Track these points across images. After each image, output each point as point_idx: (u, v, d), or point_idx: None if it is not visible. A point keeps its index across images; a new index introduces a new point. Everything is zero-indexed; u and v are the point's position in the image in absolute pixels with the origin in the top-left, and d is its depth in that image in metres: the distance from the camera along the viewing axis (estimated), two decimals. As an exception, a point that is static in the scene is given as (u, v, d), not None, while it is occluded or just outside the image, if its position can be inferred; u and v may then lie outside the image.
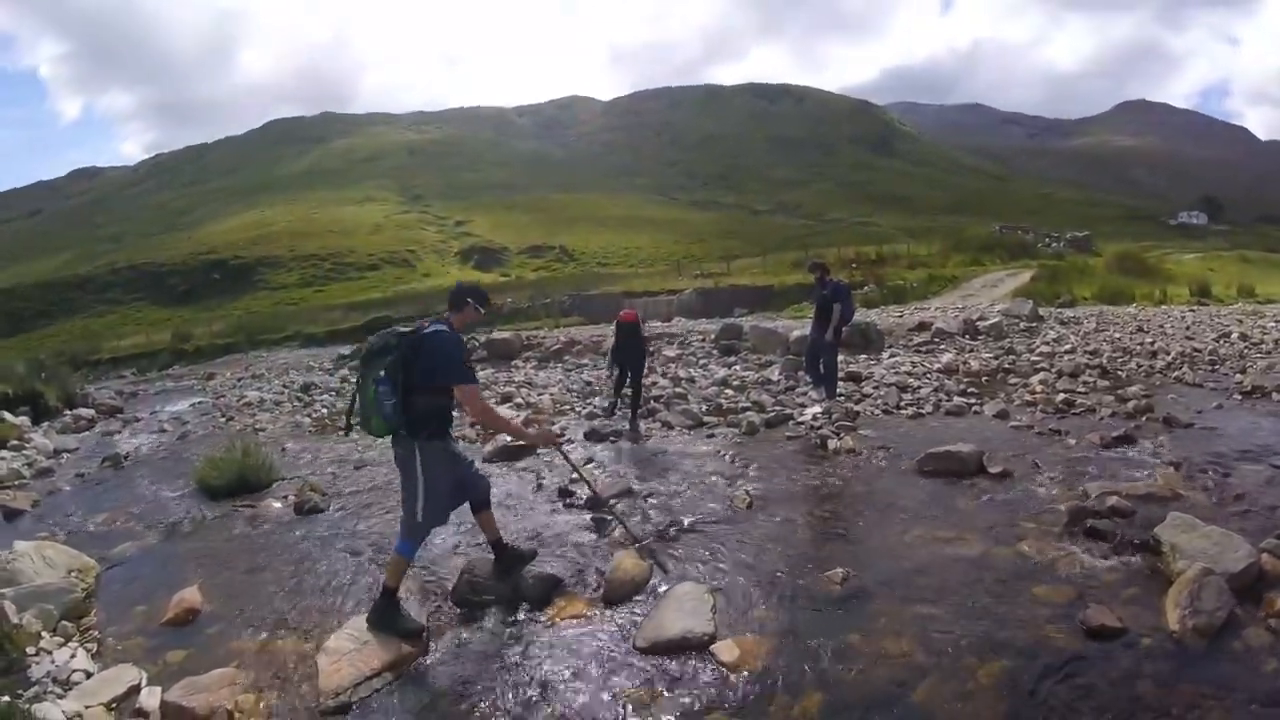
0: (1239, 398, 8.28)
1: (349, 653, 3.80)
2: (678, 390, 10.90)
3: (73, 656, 4.17)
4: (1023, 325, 15.94)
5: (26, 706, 3.51)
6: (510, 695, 3.37)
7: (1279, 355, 11.00)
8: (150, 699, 3.69)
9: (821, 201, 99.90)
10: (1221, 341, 12.80)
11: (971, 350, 13.22)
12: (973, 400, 8.82)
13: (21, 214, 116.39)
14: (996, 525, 4.76)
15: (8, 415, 12.33)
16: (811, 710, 3.04)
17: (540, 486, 6.49)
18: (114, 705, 3.67)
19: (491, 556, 4.48)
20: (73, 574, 5.17)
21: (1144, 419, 7.36)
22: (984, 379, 10.47)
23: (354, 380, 4.10)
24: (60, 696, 3.77)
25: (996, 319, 16.04)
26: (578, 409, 10.39)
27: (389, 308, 36.57)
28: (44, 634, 4.42)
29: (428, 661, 3.79)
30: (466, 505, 4.35)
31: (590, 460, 7.22)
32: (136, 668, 3.96)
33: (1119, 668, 3.08)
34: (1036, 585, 3.85)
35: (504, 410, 9.26)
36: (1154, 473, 5.58)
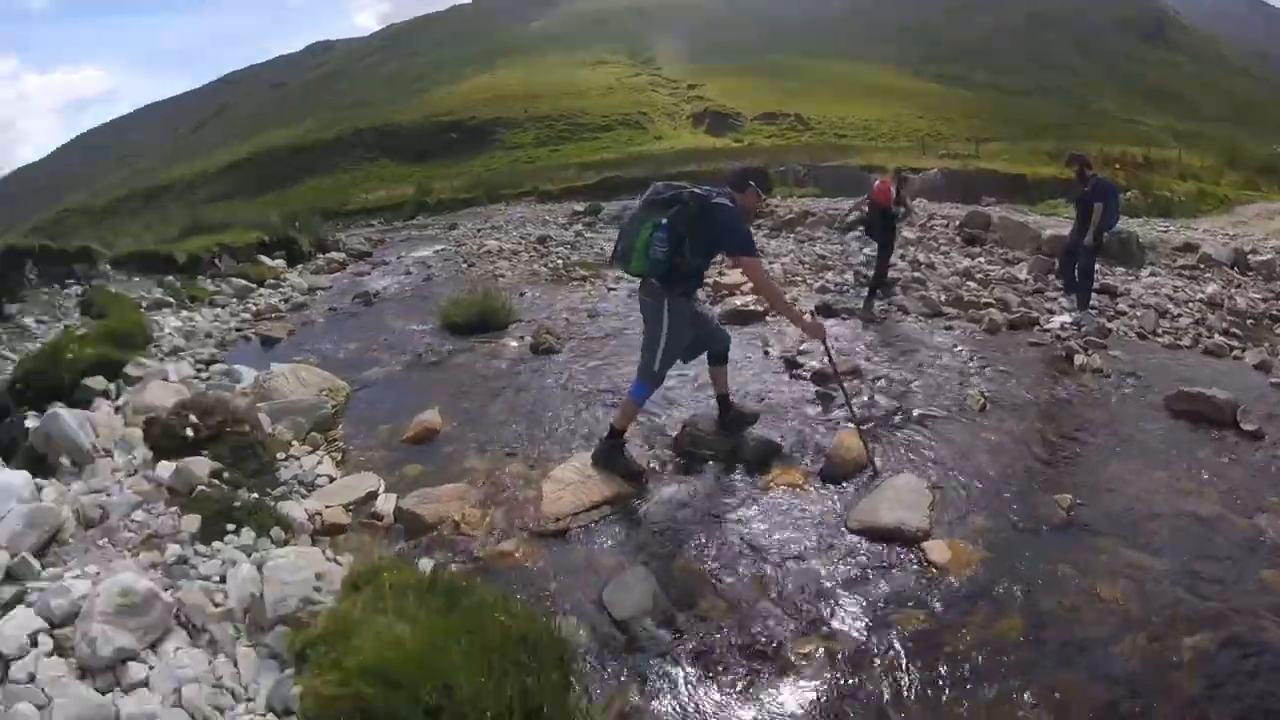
0: None
1: (572, 483, 4.03)
2: (916, 275, 10.35)
3: (319, 463, 4.47)
4: (1309, 263, 13.71)
5: (273, 504, 3.75)
6: (718, 547, 3.55)
7: None
8: (386, 504, 3.98)
9: (1085, 88, 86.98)
10: None
11: (1239, 285, 11.60)
12: (1235, 342, 7.60)
13: (265, 87, 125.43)
14: (1239, 489, 4.21)
15: (265, 259, 13.40)
16: (1012, 634, 2.94)
17: (767, 354, 6.62)
18: (352, 507, 3.94)
19: (715, 413, 4.62)
20: (324, 393, 5.48)
21: None
22: (1249, 321, 9.24)
23: (627, 218, 4.12)
24: (304, 496, 4.06)
25: (1270, 255, 13.88)
26: (809, 281, 10.29)
27: (620, 168, 36.77)
28: (294, 443, 4.74)
29: (644, 504, 3.96)
30: (703, 358, 4.50)
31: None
32: (376, 476, 4.28)
33: None
34: (1267, 568, 3.41)
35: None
36: None
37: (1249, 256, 13.40)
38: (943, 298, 8.93)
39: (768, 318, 7.79)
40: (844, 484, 4.13)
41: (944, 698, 2.67)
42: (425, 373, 6.57)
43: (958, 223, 15.90)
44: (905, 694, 2.69)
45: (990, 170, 30.38)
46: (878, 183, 8.88)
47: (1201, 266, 12.93)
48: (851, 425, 4.59)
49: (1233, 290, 10.83)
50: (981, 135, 44.55)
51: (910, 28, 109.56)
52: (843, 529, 3.68)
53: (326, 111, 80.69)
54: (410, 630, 2.51)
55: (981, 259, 12.48)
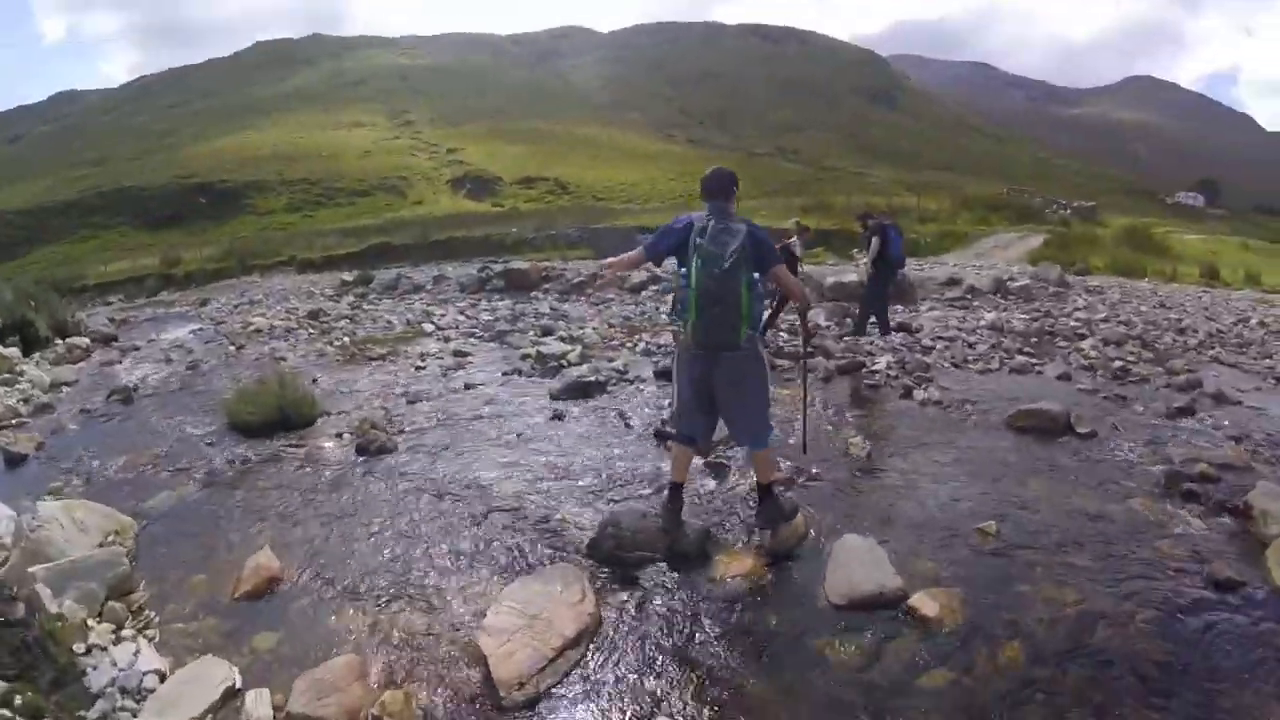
0: (1275, 381, 8.51)
1: (518, 630, 3.24)
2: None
3: (136, 653, 3.28)
4: (1050, 290, 16.07)
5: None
6: (719, 660, 3.19)
7: (1301, 345, 11.22)
8: (258, 707, 2.91)
9: (820, 148, 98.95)
10: (1242, 326, 13.03)
11: (1005, 310, 13.38)
12: (1033, 360, 8.91)
13: (1, 140, 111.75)
14: (1103, 483, 4.97)
15: (-6, 347, 11.09)
16: (1017, 660, 3.12)
17: (628, 425, 6.33)
18: (211, 718, 2.89)
19: (634, 507, 4.29)
20: (110, 538, 4.31)
21: (1195, 393, 7.52)
22: (1032, 339, 10.61)
23: (692, 279, 3.59)
24: (134, 715, 2.93)
25: (1026, 281, 16.21)
26: (628, 345, 10.24)
27: (385, 234, 35.65)
28: (91, 622, 3.53)
29: (610, 632, 3.44)
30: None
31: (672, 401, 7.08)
32: (222, 661, 3.21)
33: (1245, 614, 3.43)
34: (1158, 540, 4.12)
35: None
36: (1220, 444, 5.81)
37: (1008, 284, 15.46)
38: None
39: (608, 387, 7.59)
40: (795, 558, 3.98)
41: None
42: (230, 493, 5.29)
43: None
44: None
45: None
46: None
47: (969, 297, 14.72)
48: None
49: (1005, 315, 12.32)
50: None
51: (659, 95, 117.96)
52: (828, 606, 3.52)
53: (67, 168, 71.28)
54: None
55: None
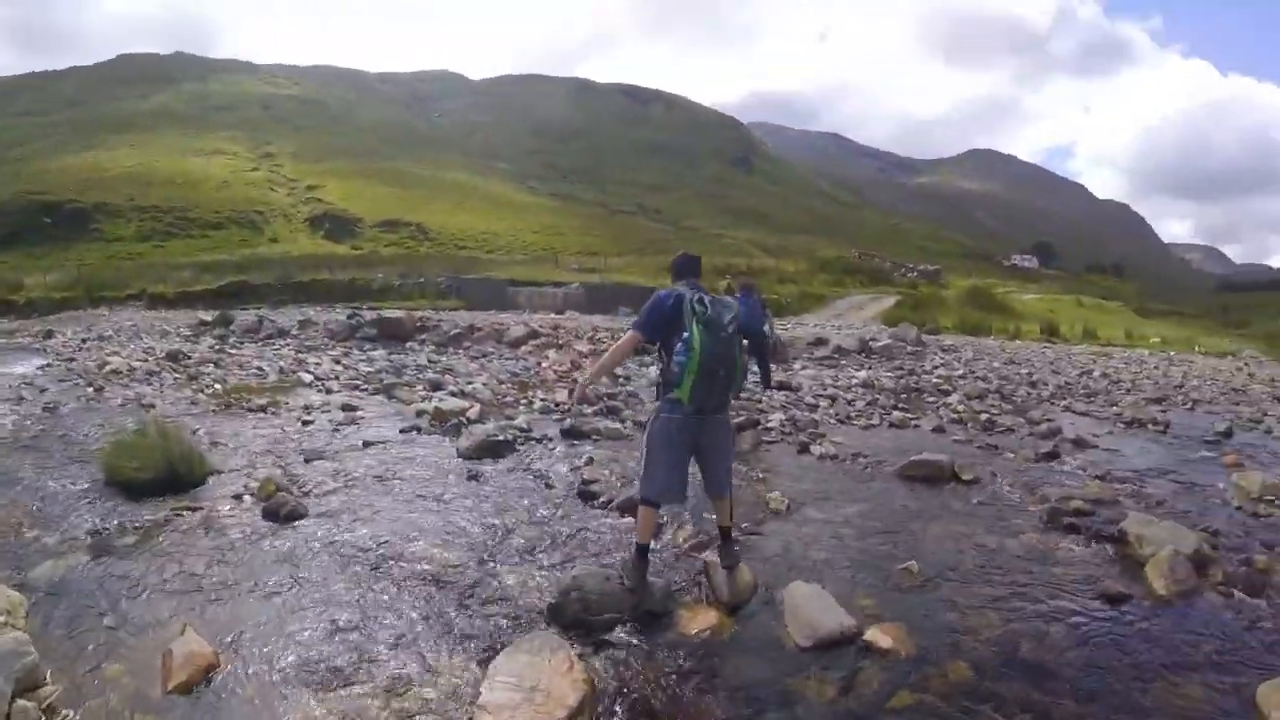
0: (1123, 425, 9.76)
1: (520, 705, 3.10)
2: (629, 389, 11.20)
3: None
4: (909, 348, 17.59)
5: None
6: (712, 713, 3.30)
7: (1138, 393, 12.86)
8: None
9: (681, 208, 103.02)
10: (1085, 377, 14.76)
11: (872, 368, 14.44)
12: (909, 415, 9.84)
13: None
14: (994, 521, 5.67)
15: None
16: (966, 677, 3.52)
17: (549, 485, 6.33)
18: None
19: (594, 568, 4.33)
20: (1, 619, 3.64)
21: (1057, 439, 8.56)
22: (902, 395, 11.58)
23: (696, 343, 3.71)
24: None
25: (887, 341, 17.66)
26: (523, 402, 10.27)
27: (244, 272, 33.76)
28: None
29: (604, 698, 3.39)
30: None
31: (589, 460, 7.03)
32: None
33: (1138, 620, 4.10)
34: (1054, 567, 4.80)
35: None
36: (1087, 483, 6.76)
37: (870, 343, 16.68)
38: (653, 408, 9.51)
39: (516, 446, 7.58)
40: (751, 608, 4.20)
41: None
42: (126, 563, 4.67)
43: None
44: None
45: (625, 282, 33.90)
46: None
47: (836, 356, 15.79)
48: (695, 548, 4.81)
49: (874, 373, 13.30)
50: (590, 250, 49.52)
51: (526, 146, 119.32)
52: (797, 650, 3.76)
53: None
54: None
55: (654, 367, 13.53)
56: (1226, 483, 6.84)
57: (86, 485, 6.08)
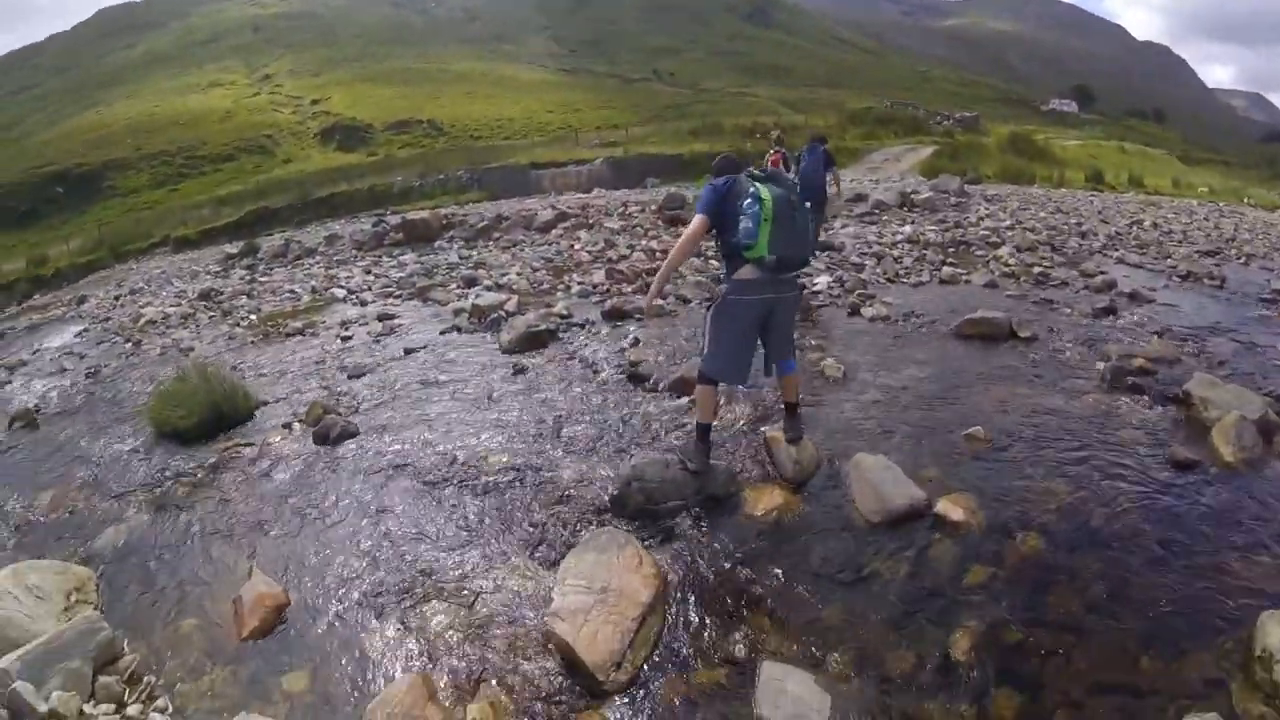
0: (1178, 279, 9.41)
1: (593, 608, 3.07)
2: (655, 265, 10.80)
3: None
4: (952, 200, 16.90)
5: None
6: (787, 595, 3.29)
7: (1190, 245, 12.37)
8: None
9: (697, 70, 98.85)
10: (1136, 228, 14.18)
11: (915, 223, 14.00)
12: (959, 270, 9.47)
13: None
14: (1056, 382, 5.48)
15: None
16: (1038, 549, 3.48)
17: (596, 372, 6.21)
18: None
19: (654, 455, 4.31)
20: (72, 598, 3.78)
21: (1113, 293, 8.25)
22: (950, 249, 11.21)
23: (764, 195, 3.64)
24: None
25: (928, 193, 16.98)
26: (560, 288, 10.09)
27: (263, 198, 33.51)
28: (88, 709, 3.02)
29: (676, 590, 3.39)
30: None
31: (635, 341, 6.92)
32: (262, 719, 2.85)
33: (1206, 489, 3.96)
34: (1119, 430, 4.63)
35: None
36: (1147, 340, 6.51)
37: (911, 197, 16.14)
38: (695, 279, 9.34)
39: (559, 334, 7.47)
40: (816, 485, 4.13)
41: (1076, 604, 3.19)
42: (186, 515, 4.65)
43: (654, 206, 16.82)
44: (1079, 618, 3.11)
45: (650, 153, 33.04)
46: (770, 158, 10.84)
47: (876, 211, 15.33)
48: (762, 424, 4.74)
49: (919, 228, 12.93)
50: (610, 123, 48.08)
51: (528, 24, 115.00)
52: (868, 526, 3.73)
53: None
54: None
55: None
56: None
57: (137, 443, 6.07)
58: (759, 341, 4.09)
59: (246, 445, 5.57)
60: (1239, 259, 11.41)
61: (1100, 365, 5.71)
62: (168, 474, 5.34)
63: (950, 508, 3.70)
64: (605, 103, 70.25)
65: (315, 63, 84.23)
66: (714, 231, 3.94)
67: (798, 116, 43.92)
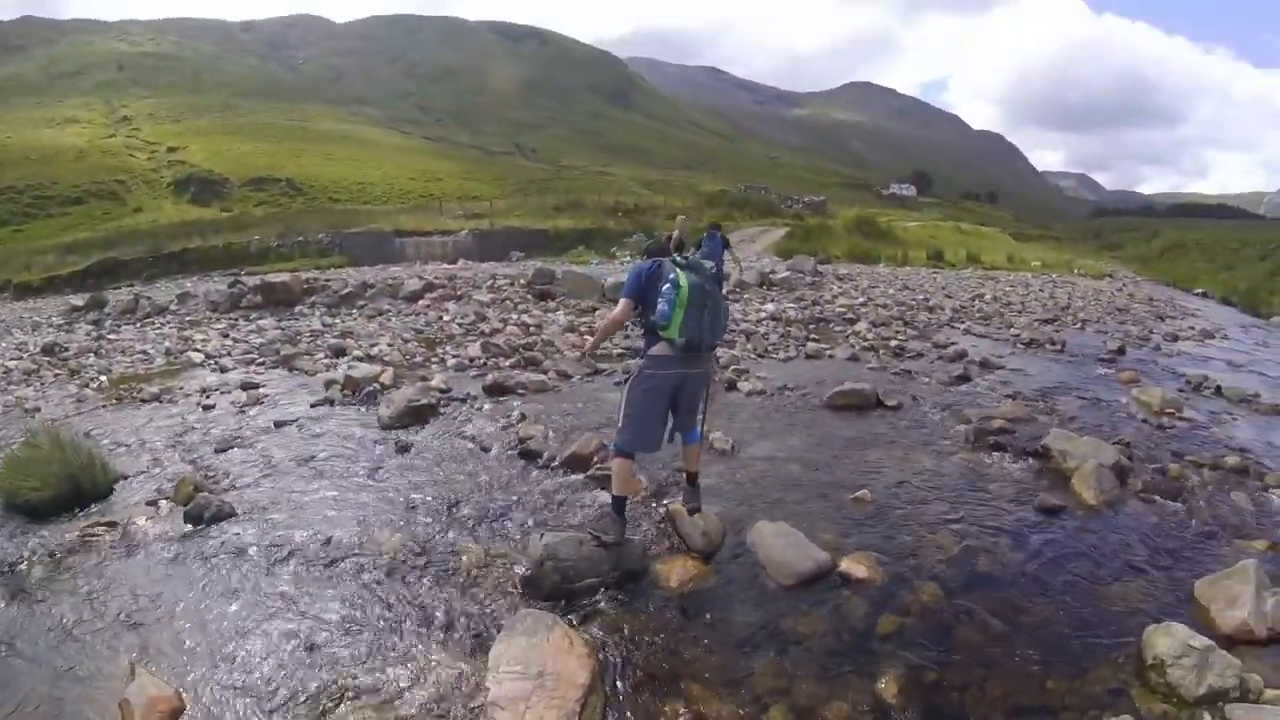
0: (1022, 346, 10.42)
1: (532, 694, 3.00)
2: (543, 338, 10.93)
3: None
4: (808, 279, 18.07)
5: None
6: (719, 664, 3.33)
7: (1029, 314, 13.82)
8: None
9: (559, 147, 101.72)
10: (978, 301, 15.60)
11: (776, 301, 14.80)
12: (823, 345, 10.20)
13: None
14: (925, 444, 6.02)
15: None
16: (937, 596, 3.79)
17: (485, 449, 6.04)
18: None
19: (566, 535, 4.20)
20: None
21: (964, 362, 9.04)
22: (811, 326, 11.94)
23: (682, 281, 3.94)
24: None
25: (786, 273, 18.08)
26: (434, 361, 9.81)
27: (112, 248, 31.00)
28: None
29: (614, 670, 3.34)
30: None
31: (521, 416, 6.82)
32: None
33: (1075, 529, 4.53)
34: (989, 483, 5.20)
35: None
36: (1001, 402, 7.27)
37: (770, 276, 17.02)
38: (574, 355, 9.43)
39: (440, 408, 7.24)
40: (724, 554, 4.26)
41: (975, 644, 3.50)
42: (49, 602, 4.11)
43: (524, 280, 16.97)
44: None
45: (515, 226, 33.34)
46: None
47: (738, 290, 16.05)
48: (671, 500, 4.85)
49: (780, 306, 13.64)
50: (472, 194, 48.33)
51: (396, 90, 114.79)
52: (780, 590, 3.87)
53: None
54: None
55: (560, 312, 13.74)
56: (1128, 397, 7.44)
57: None
58: (668, 413, 4.27)
59: (109, 525, 4.92)
60: (1075, 324, 12.86)
61: (962, 427, 6.35)
62: (22, 554, 4.63)
63: (853, 566, 3.94)
64: (468, 173, 70.78)
65: (177, 109, 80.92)
66: (638, 309, 4.18)
67: (657, 198, 45.72)
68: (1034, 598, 3.75)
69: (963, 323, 12.54)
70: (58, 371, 10.75)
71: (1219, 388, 8.15)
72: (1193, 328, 13.66)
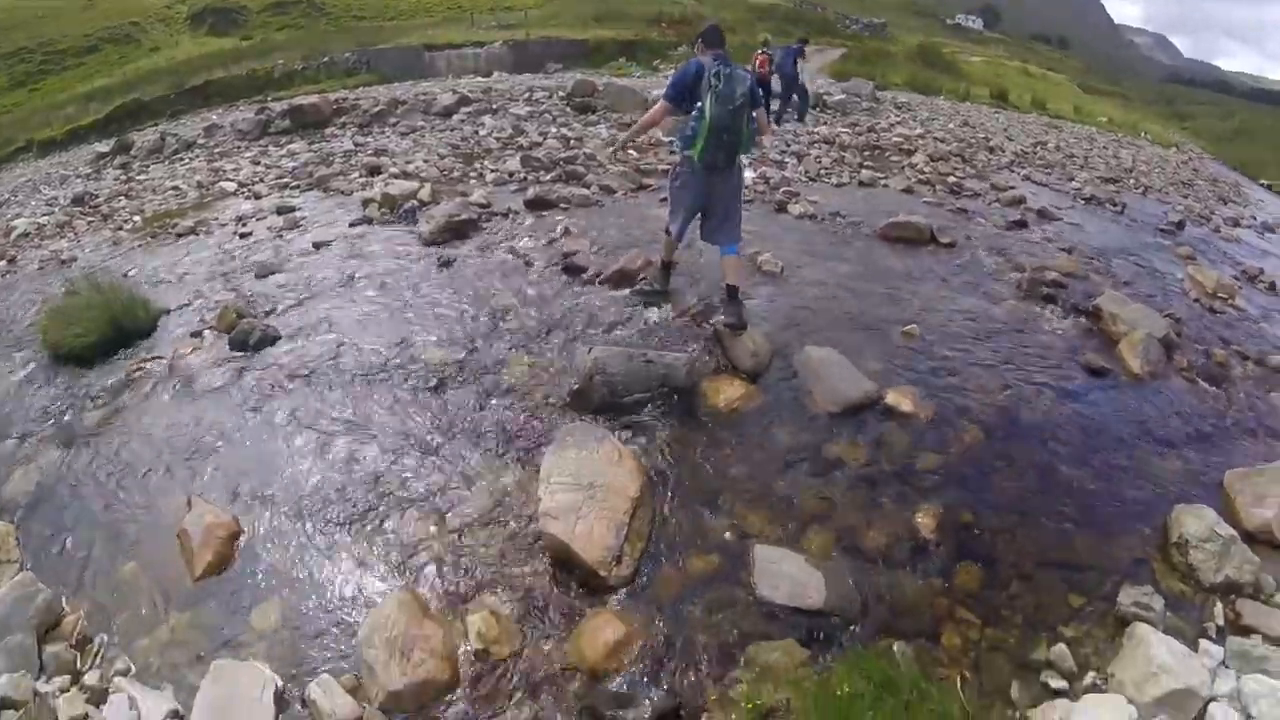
0: (1082, 202, 10.02)
1: (583, 505, 3.02)
2: (585, 151, 10.51)
3: (132, 704, 2.55)
4: (864, 105, 17.18)
5: None
6: (763, 482, 3.45)
7: (1092, 170, 13.17)
8: (332, 699, 2.46)
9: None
10: (1039, 148, 14.90)
11: (829, 124, 14.27)
12: (877, 174, 9.73)
13: None
14: (977, 287, 5.87)
15: None
16: (978, 439, 3.85)
17: (529, 263, 5.93)
18: None
19: (614, 348, 4.26)
20: None
21: (1022, 208, 8.70)
22: (865, 153, 11.49)
23: (708, 113, 4.19)
24: None
25: (841, 96, 17.22)
26: (472, 176, 9.51)
27: (133, 90, 30.08)
28: (41, 687, 2.65)
29: (661, 484, 3.41)
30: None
31: (565, 231, 6.63)
32: (241, 664, 2.63)
33: (1118, 394, 4.48)
34: (1037, 334, 5.10)
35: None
36: (1057, 255, 6.95)
37: (824, 98, 16.33)
38: (619, 169, 9.11)
39: (481, 224, 7.05)
40: (773, 377, 4.30)
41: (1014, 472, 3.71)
42: (101, 445, 4.12)
43: (562, 93, 16.36)
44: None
45: (553, 36, 31.83)
46: (758, 60, 13.28)
47: (790, 110, 15.45)
48: (700, 319, 4.89)
49: (833, 130, 13.22)
50: (505, 4, 46.19)
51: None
52: (826, 415, 3.93)
53: None
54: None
55: (601, 126, 13.14)
56: (1183, 273, 7.16)
57: (32, 369, 5.35)
58: (701, 212, 4.71)
59: (155, 360, 5.00)
60: (1137, 189, 12.23)
61: (1016, 275, 6.13)
62: (73, 402, 4.73)
63: (899, 399, 3.98)
64: (504, -21, 66.61)
65: (182, -65, 75.97)
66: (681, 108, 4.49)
67: (704, 7, 42.98)
68: (1071, 457, 3.77)
69: (1023, 168, 11.92)
70: (90, 219, 10.68)
71: (1274, 284, 7.87)
72: (1254, 217, 12.75)
